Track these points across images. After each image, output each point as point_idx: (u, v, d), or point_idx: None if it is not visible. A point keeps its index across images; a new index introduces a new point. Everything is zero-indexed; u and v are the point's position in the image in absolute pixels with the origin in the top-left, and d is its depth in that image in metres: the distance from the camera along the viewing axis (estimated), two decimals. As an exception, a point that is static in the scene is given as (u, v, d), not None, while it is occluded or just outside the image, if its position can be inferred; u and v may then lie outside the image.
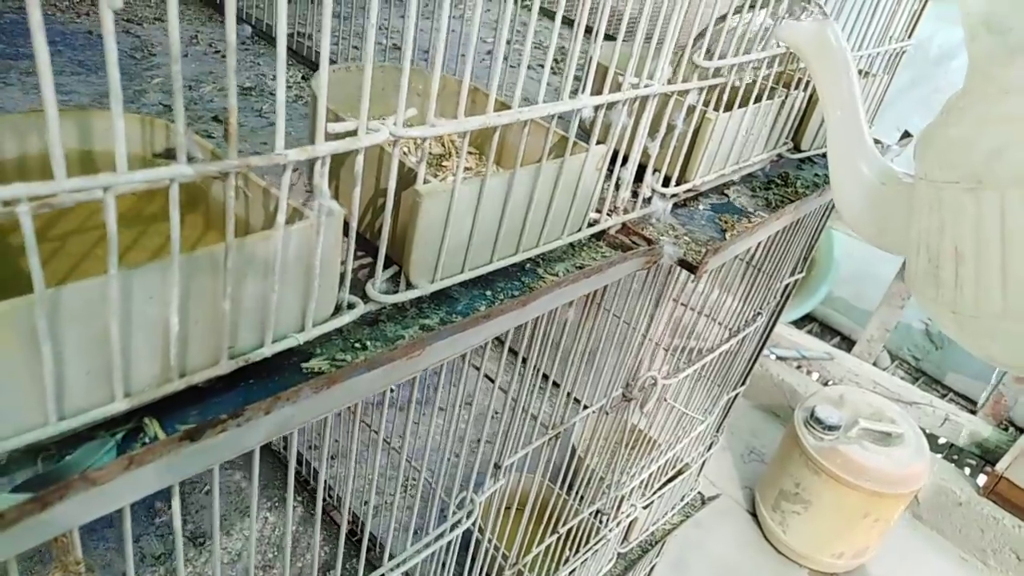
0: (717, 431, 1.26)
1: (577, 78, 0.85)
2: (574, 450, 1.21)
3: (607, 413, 0.85)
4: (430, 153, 0.65)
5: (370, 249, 0.58)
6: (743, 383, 1.20)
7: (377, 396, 0.60)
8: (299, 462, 1.29)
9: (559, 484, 1.13)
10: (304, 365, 0.47)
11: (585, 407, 0.83)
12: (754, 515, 2.60)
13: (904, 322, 3.14)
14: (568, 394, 0.82)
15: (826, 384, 2.91)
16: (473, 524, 0.71)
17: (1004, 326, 0.48)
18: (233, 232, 0.38)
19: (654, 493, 1.15)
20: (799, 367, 3.01)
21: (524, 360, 0.70)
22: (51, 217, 0.49)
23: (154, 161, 0.52)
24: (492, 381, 0.82)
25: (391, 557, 0.69)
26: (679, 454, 1.19)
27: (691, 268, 0.66)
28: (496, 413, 0.98)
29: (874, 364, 2.96)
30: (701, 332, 1.05)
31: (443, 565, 0.84)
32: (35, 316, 0.34)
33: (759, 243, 0.99)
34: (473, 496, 0.72)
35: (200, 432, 0.39)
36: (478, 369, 0.80)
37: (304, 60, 0.96)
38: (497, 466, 0.74)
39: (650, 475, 1.11)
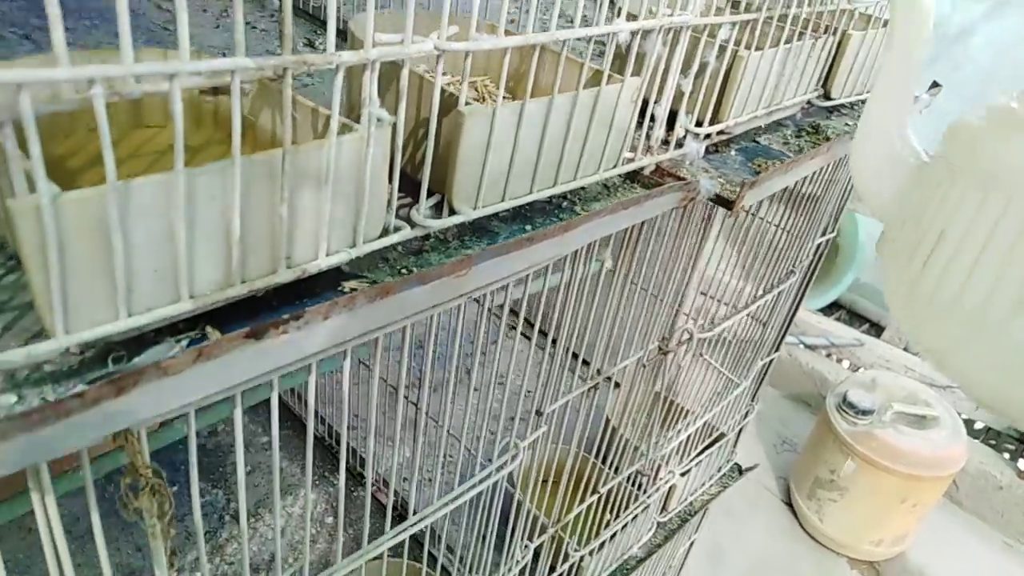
0: (752, 399, 1.26)
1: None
2: (607, 422, 1.21)
3: (644, 366, 0.85)
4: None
5: (409, 186, 0.59)
6: (776, 348, 1.20)
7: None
8: (337, 442, 1.30)
9: (595, 455, 1.14)
10: (353, 285, 0.48)
11: (617, 384, 0.83)
12: (789, 505, 2.57)
13: (934, 307, 3.10)
14: (605, 348, 0.82)
15: (856, 371, 2.88)
16: (517, 469, 0.72)
17: (946, 320, 0.49)
18: (290, 134, 0.39)
19: (691, 460, 1.15)
20: (828, 355, 2.98)
21: (554, 341, 0.70)
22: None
23: (201, 98, 0.54)
24: (528, 338, 0.83)
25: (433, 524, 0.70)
26: (715, 420, 1.19)
27: (727, 204, 0.67)
28: (518, 378, 0.97)
29: (904, 349, 2.92)
30: (731, 298, 1.05)
31: (485, 526, 0.84)
32: (107, 205, 0.35)
33: (791, 198, 0.99)
34: (517, 441, 0.72)
35: (263, 331, 0.40)
36: (514, 328, 0.80)
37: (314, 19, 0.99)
38: (539, 412, 0.75)
39: (687, 439, 1.11)
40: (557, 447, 1.21)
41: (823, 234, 1.09)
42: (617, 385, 1.30)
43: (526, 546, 0.88)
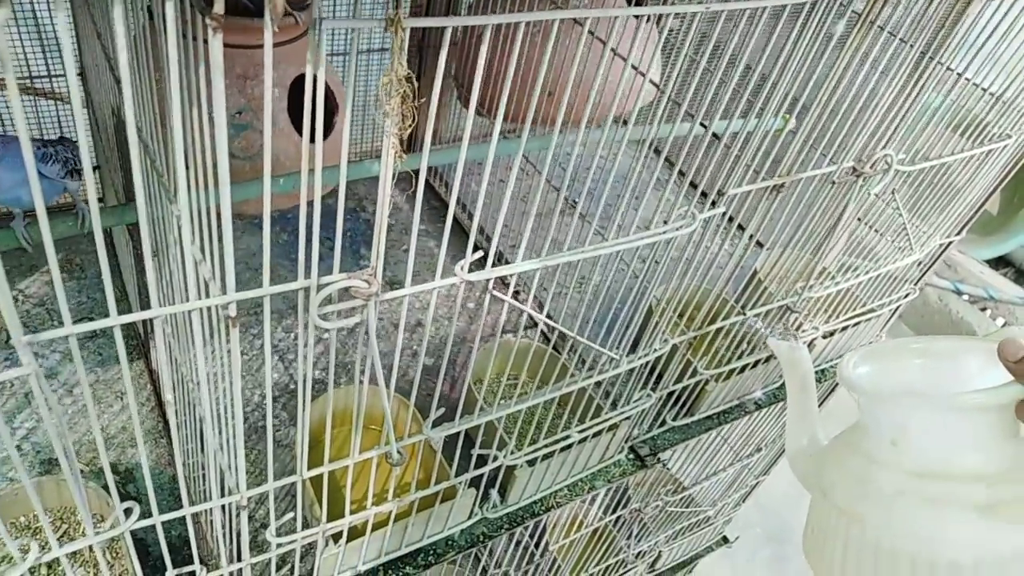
0: (916, 284, 1.20)
1: None
2: (754, 275, 1.20)
3: (833, 183, 0.83)
4: None
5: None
6: (959, 232, 1.12)
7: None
8: (486, 237, 1.36)
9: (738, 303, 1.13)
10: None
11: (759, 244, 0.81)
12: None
13: (1120, 283, 2.80)
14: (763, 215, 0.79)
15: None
16: (694, 233, 0.73)
17: None
18: None
19: (838, 322, 1.12)
20: (983, 309, 2.77)
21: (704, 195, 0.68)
22: None
23: None
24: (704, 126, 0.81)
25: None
26: (869, 294, 1.15)
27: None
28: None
29: (1074, 318, 2.68)
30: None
31: (626, 324, 0.87)
32: None
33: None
34: (695, 211, 0.73)
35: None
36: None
37: None
38: (720, 192, 0.75)
39: (836, 300, 1.08)
40: (699, 288, 1.21)
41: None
42: (759, 244, 1.27)
43: (665, 340, 0.90)
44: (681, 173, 0.75)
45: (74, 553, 0.89)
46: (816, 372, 1.21)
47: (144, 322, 1.14)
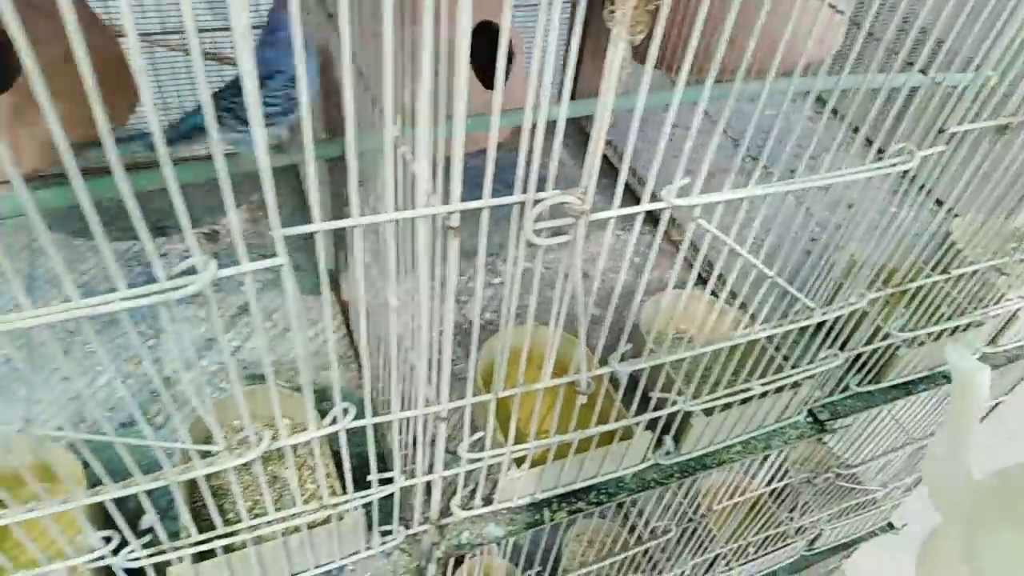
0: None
1: None
2: (955, 246, 1.11)
3: None
4: None
5: None
6: None
7: None
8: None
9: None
10: None
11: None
12: None
13: None
14: None
15: None
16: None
17: None
18: None
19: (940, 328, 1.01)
20: None
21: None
22: None
23: None
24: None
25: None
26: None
27: None
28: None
29: None
30: None
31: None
32: None
33: None
34: (912, 148, 0.68)
35: None
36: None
37: None
38: (942, 130, 0.70)
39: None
40: (894, 253, 1.13)
41: None
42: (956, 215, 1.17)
43: (862, 294, 0.86)
44: (855, 130, 0.70)
45: (276, 452, 0.96)
46: (1017, 348, 1.10)
47: (336, 256, 1.23)
